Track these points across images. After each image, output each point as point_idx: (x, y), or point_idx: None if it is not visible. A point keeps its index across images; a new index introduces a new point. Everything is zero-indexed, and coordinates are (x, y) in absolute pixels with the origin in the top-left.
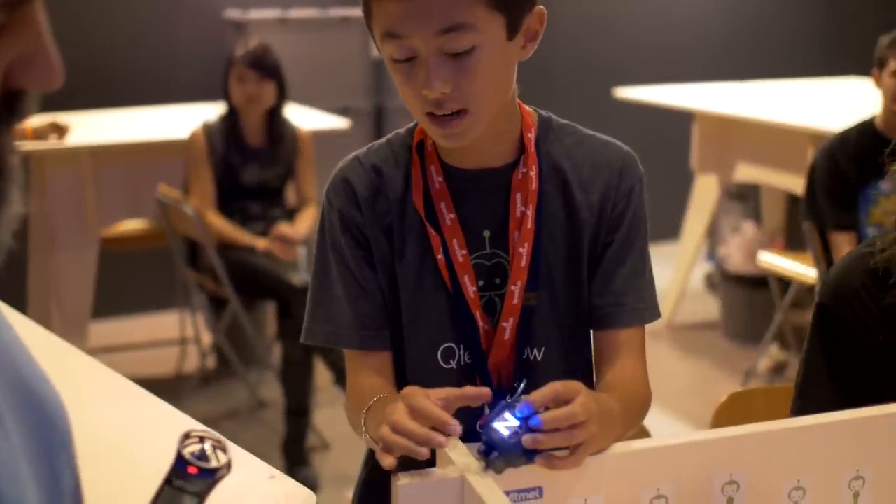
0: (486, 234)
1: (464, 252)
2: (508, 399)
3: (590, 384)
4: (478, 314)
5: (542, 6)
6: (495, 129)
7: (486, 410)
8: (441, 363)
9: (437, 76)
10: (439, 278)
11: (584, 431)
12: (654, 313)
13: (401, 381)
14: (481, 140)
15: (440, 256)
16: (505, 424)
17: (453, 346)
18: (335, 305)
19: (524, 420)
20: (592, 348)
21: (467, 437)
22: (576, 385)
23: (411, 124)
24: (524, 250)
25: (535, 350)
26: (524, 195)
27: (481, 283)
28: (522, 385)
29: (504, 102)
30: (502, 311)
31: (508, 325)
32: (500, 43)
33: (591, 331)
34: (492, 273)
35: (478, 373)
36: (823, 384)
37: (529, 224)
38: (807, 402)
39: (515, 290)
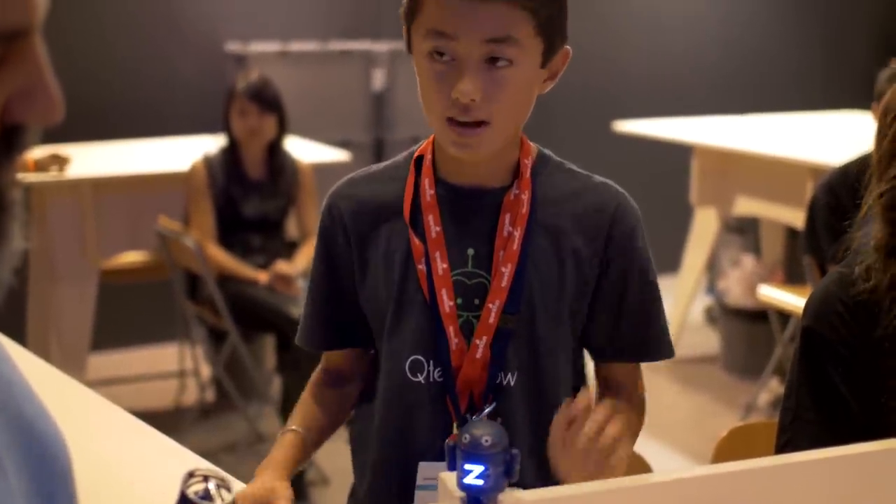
0: (471, 252)
1: (444, 266)
2: (454, 442)
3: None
4: (451, 329)
5: (569, 46)
6: (494, 152)
7: (455, 430)
8: (409, 375)
9: (473, 81)
10: (418, 289)
11: (616, 427)
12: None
13: (369, 387)
14: (480, 159)
15: (421, 266)
16: (473, 476)
17: (422, 359)
18: (307, 307)
19: (488, 458)
20: (601, 377)
21: (437, 455)
22: (588, 395)
23: (413, 147)
24: (507, 270)
25: (509, 375)
26: (513, 216)
27: (460, 300)
28: (490, 408)
29: (519, 127)
30: (477, 328)
31: (482, 344)
32: (534, 67)
33: (606, 362)
34: (471, 293)
35: (447, 390)
36: (810, 417)
37: (515, 245)
38: (794, 435)
39: (493, 308)
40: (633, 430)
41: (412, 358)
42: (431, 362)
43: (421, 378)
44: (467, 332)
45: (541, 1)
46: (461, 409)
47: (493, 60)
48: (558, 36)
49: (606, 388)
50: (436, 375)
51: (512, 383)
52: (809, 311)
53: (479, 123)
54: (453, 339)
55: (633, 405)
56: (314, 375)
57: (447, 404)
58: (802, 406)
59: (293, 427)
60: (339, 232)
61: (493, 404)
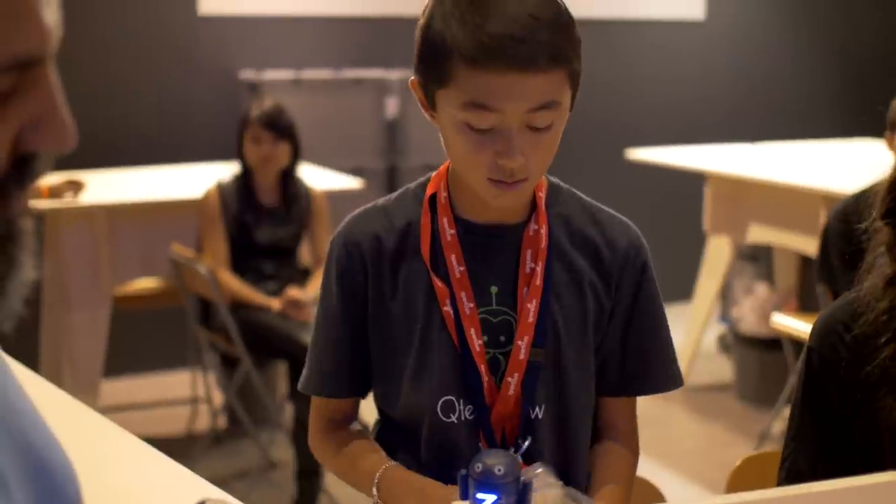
0: (494, 290)
1: (471, 305)
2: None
3: (589, 442)
4: (483, 368)
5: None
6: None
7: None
8: (441, 416)
9: (521, 150)
10: (444, 331)
11: None
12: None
13: (397, 432)
14: None
15: (446, 308)
16: None
17: (453, 399)
18: (320, 351)
19: (500, 488)
20: (599, 414)
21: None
22: None
23: (422, 179)
24: (532, 306)
25: (539, 408)
26: (534, 252)
27: (486, 338)
28: (526, 444)
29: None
30: (508, 366)
31: (514, 381)
32: (566, 115)
33: (611, 396)
34: (497, 330)
35: (482, 428)
36: (809, 436)
37: (538, 280)
38: (793, 453)
39: (522, 345)
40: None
41: (444, 399)
42: (462, 401)
43: (454, 418)
44: (494, 369)
45: (575, 57)
46: (496, 446)
47: (535, 126)
48: (580, 77)
49: (604, 427)
50: (467, 414)
51: (540, 416)
52: (813, 332)
53: (520, 180)
54: (485, 377)
55: (629, 451)
56: (325, 434)
57: (480, 442)
58: (803, 424)
59: (389, 464)
60: (358, 271)
61: (529, 439)
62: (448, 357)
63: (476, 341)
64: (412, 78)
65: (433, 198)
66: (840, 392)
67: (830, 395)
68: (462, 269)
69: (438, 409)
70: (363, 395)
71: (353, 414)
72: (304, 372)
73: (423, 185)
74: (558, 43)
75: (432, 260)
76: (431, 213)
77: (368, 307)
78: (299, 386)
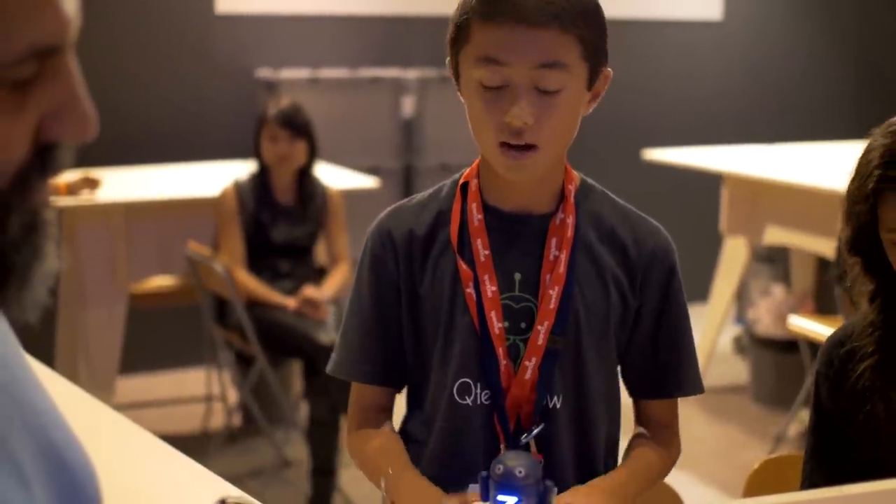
0: (518, 276)
1: (494, 288)
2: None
3: (613, 436)
4: (500, 351)
5: (610, 68)
6: (542, 174)
7: (502, 448)
8: (457, 398)
9: (526, 106)
10: (466, 313)
11: None
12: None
13: (419, 412)
14: (526, 183)
15: (469, 290)
16: None
17: (470, 382)
18: (350, 337)
19: (521, 490)
20: (638, 414)
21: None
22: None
23: (456, 175)
24: (554, 293)
25: (555, 397)
26: (559, 240)
27: (506, 324)
28: (538, 429)
29: (565, 148)
30: (526, 350)
31: (531, 365)
32: (581, 90)
33: (640, 398)
34: (518, 316)
35: (496, 411)
36: (822, 457)
37: (562, 268)
38: (811, 470)
39: (542, 330)
40: (656, 475)
41: (460, 381)
42: (479, 385)
43: (469, 401)
44: (513, 355)
45: (587, 27)
46: (509, 431)
47: (543, 88)
48: (601, 59)
49: (645, 426)
50: (483, 398)
51: (558, 406)
52: (818, 355)
53: (529, 147)
54: (502, 360)
55: (668, 446)
56: (357, 429)
57: (495, 426)
58: (816, 443)
59: (412, 468)
60: (390, 260)
61: (542, 425)
62: (468, 340)
63: (496, 324)
64: (448, 58)
65: (465, 185)
66: (840, 408)
67: (834, 414)
68: (487, 252)
69: (455, 391)
70: (397, 387)
71: (388, 407)
72: (334, 357)
73: (457, 179)
74: (565, 6)
75: (459, 244)
76: (462, 199)
77: (402, 299)
78: (328, 369)
